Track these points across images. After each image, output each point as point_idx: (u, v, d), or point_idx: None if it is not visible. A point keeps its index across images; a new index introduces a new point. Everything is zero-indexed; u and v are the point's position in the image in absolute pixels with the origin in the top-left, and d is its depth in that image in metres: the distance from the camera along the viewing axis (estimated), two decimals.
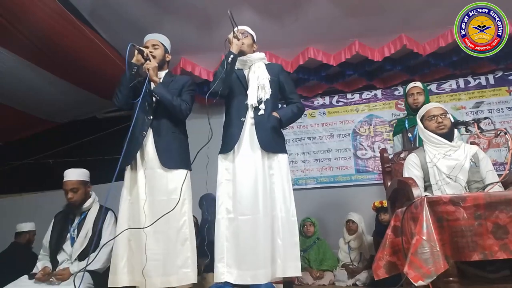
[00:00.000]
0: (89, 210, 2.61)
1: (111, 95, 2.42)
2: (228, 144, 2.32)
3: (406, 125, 3.07)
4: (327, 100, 4.80)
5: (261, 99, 2.31)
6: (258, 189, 2.22)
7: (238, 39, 2.29)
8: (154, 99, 2.38)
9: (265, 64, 2.43)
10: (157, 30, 2.68)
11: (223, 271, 2.14)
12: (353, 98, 4.74)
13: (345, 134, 4.64)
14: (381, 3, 3.47)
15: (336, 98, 4.79)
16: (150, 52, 2.39)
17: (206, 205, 3.51)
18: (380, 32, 3.84)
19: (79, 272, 2.26)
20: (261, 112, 2.30)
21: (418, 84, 3.08)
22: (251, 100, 2.30)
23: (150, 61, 2.34)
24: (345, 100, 4.77)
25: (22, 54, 3.47)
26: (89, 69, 3.83)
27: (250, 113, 2.32)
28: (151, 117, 2.36)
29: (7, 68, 3.56)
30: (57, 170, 3.60)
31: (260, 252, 2.14)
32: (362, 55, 3.98)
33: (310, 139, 4.67)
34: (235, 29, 2.25)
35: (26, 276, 2.43)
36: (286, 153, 2.37)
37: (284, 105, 2.57)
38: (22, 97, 4.15)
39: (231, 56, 2.25)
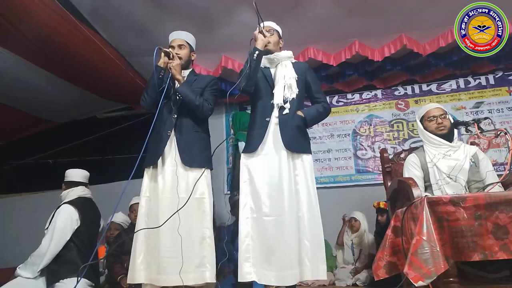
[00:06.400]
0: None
1: (111, 95, 2.42)
2: (252, 144, 2.27)
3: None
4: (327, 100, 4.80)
5: (287, 98, 2.25)
6: (283, 189, 2.17)
7: (264, 35, 2.23)
8: (177, 97, 2.37)
9: (292, 62, 2.38)
10: (157, 30, 2.66)
11: (249, 271, 2.09)
12: (353, 98, 4.73)
13: (345, 134, 4.64)
14: (381, 3, 3.46)
15: (336, 98, 4.78)
16: (176, 53, 2.38)
17: None
18: (380, 32, 3.83)
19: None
20: (286, 111, 2.25)
21: None
22: (277, 100, 2.24)
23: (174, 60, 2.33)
24: (345, 100, 4.76)
25: (22, 54, 3.47)
26: (89, 69, 3.82)
27: (275, 113, 2.27)
28: (175, 116, 2.36)
29: (7, 68, 3.55)
30: (57, 170, 3.59)
31: (285, 253, 2.10)
32: (362, 55, 3.97)
33: (310, 139, 4.67)
34: (261, 24, 2.19)
35: (21, 278, 2.49)
36: (311, 153, 2.33)
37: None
38: (22, 97, 4.14)
39: (256, 52, 2.17)
